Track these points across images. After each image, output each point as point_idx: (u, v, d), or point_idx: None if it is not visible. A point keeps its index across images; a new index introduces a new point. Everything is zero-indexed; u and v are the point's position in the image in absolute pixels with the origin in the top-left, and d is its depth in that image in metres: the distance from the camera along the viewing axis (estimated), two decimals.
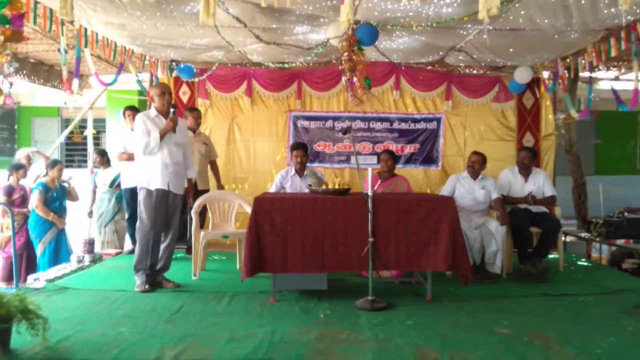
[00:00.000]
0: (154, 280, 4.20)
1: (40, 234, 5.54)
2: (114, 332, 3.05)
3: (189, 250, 5.42)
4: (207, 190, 5.54)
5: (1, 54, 4.16)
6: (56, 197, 5.68)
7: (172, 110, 4.18)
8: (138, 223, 4.18)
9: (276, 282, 3.84)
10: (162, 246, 4.28)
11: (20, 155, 6.11)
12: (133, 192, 4.77)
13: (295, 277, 3.81)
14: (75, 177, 6.16)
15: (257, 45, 5.60)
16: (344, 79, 4.86)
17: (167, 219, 4.24)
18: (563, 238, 5.33)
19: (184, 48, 5.74)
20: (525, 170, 5.02)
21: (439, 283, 4.18)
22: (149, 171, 4.12)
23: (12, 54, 3.75)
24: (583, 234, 6.13)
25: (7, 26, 3.63)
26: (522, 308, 3.70)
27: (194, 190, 4.67)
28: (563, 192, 5.20)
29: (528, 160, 5.00)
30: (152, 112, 4.21)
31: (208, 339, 2.96)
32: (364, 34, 4.65)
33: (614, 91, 5.26)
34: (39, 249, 5.55)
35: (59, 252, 5.62)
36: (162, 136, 4.09)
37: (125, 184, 5.53)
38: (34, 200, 5.49)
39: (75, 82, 5.02)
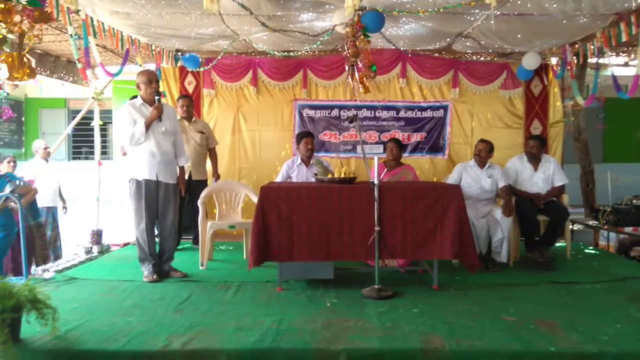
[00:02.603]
0: (162, 270, 4.22)
1: None
2: (123, 322, 3.07)
3: (195, 241, 5.45)
4: (204, 181, 5.41)
5: (29, 36, 4.20)
6: None
7: (156, 98, 4.07)
8: (132, 214, 4.16)
9: (283, 272, 3.85)
10: (161, 237, 4.26)
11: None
12: None
13: (301, 266, 3.82)
14: (82, 170, 6.12)
15: (262, 34, 5.57)
16: (346, 66, 4.81)
17: (159, 210, 4.18)
18: (570, 226, 5.30)
19: (189, 37, 5.71)
20: (535, 159, 4.93)
21: (445, 272, 4.19)
22: (136, 162, 4.09)
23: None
24: (591, 222, 6.11)
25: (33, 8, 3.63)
26: (528, 296, 3.69)
27: (189, 180, 4.59)
28: (571, 179, 5.15)
29: (537, 150, 4.91)
30: (138, 100, 4.15)
31: (216, 327, 2.98)
32: (370, 20, 4.59)
33: (614, 78, 5.19)
34: None
35: None
36: (148, 125, 4.02)
37: None
38: None
39: (89, 71, 5.02)
